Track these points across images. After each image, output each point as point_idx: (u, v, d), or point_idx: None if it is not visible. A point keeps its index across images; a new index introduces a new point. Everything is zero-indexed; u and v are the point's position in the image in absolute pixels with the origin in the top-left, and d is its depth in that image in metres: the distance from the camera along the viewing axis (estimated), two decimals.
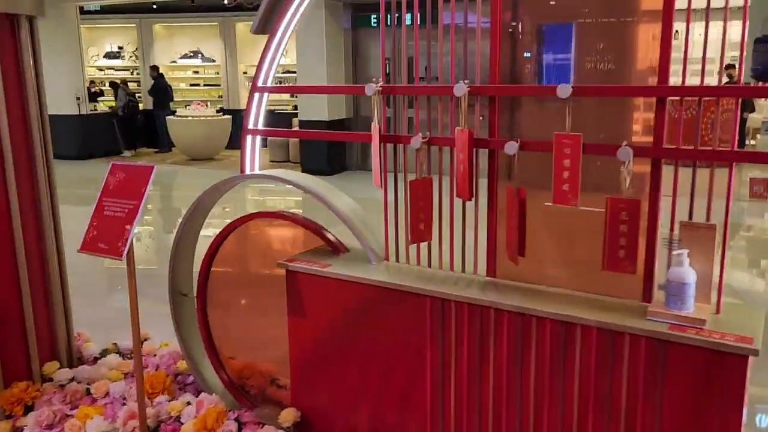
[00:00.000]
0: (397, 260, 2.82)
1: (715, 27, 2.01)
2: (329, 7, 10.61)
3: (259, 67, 2.94)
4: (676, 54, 2.12)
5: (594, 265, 2.37)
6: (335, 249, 2.97)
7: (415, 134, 2.57)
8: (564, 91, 2.19)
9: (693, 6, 2.06)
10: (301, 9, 2.84)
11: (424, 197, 2.58)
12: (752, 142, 11.14)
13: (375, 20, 10.89)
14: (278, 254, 3.04)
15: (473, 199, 2.49)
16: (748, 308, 2.23)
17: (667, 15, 2.09)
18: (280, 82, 15.78)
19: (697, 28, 2.09)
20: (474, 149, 2.43)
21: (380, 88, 2.60)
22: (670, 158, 2.16)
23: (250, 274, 3.43)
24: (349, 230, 2.85)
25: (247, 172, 3.14)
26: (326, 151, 10.99)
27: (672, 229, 2.19)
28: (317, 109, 10.80)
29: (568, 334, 2.23)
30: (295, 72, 12.99)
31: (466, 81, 2.40)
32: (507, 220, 2.42)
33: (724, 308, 2.18)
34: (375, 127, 2.63)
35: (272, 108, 15.28)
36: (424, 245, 2.71)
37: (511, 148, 2.32)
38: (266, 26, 2.88)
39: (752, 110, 10.49)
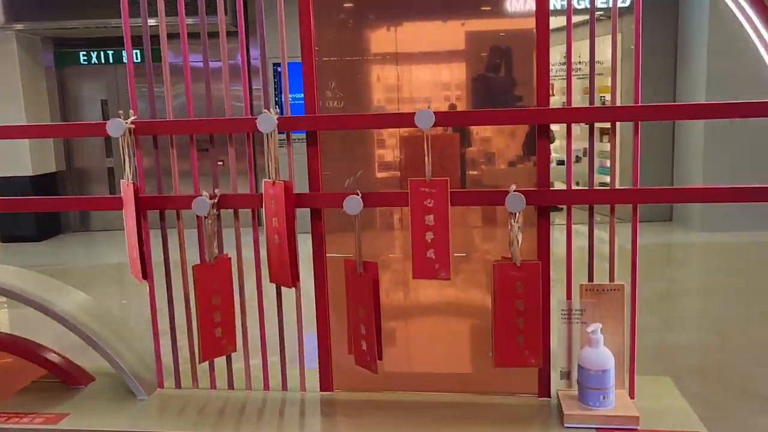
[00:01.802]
0: (178, 385, 1.86)
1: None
2: (23, 41, 8.73)
3: None
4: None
5: (475, 357, 1.75)
6: (71, 380, 1.89)
7: (196, 192, 1.68)
8: (425, 119, 1.52)
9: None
10: None
11: (221, 288, 1.69)
12: None
13: (84, 57, 9.31)
14: None
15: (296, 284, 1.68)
16: (656, 380, 1.79)
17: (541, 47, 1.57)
18: None
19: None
20: (294, 209, 1.63)
21: (132, 126, 1.66)
22: (562, 203, 1.63)
23: None
24: (94, 348, 1.81)
25: None
26: (34, 213, 8.95)
27: (570, 297, 1.66)
28: (16, 161, 8.76)
29: None
30: None
31: (275, 110, 1.60)
32: (350, 310, 1.65)
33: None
34: (127, 186, 1.67)
35: None
36: (219, 359, 1.80)
37: (354, 205, 1.58)
38: None
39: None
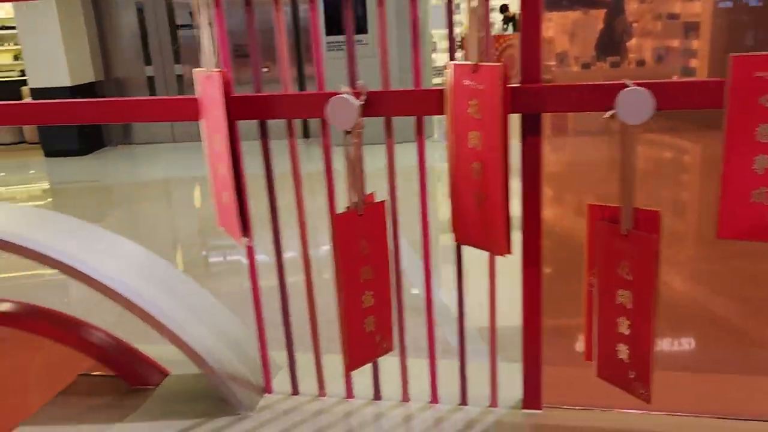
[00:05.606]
0: (296, 392, 1.21)
1: None
2: None
3: None
4: None
5: None
6: (133, 378, 1.26)
7: (320, 88, 0.96)
8: None
9: None
10: None
11: (374, 254, 0.99)
12: None
13: None
14: None
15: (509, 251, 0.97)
16: None
17: None
18: None
19: None
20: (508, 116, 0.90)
21: None
22: None
23: None
24: (159, 332, 1.16)
25: None
26: (76, 126, 8.40)
27: None
28: (54, 71, 8.15)
29: None
30: (14, 27, 9.88)
31: None
32: (601, 293, 0.95)
33: None
34: (208, 78, 0.95)
35: None
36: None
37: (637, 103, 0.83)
38: None
39: None
